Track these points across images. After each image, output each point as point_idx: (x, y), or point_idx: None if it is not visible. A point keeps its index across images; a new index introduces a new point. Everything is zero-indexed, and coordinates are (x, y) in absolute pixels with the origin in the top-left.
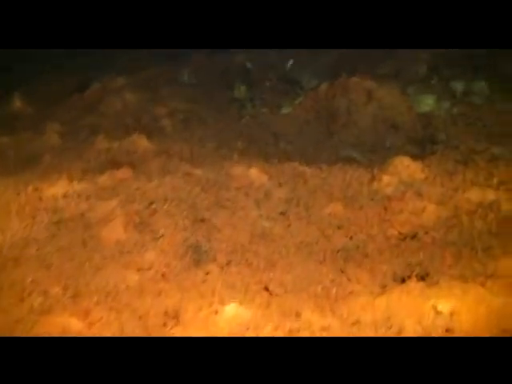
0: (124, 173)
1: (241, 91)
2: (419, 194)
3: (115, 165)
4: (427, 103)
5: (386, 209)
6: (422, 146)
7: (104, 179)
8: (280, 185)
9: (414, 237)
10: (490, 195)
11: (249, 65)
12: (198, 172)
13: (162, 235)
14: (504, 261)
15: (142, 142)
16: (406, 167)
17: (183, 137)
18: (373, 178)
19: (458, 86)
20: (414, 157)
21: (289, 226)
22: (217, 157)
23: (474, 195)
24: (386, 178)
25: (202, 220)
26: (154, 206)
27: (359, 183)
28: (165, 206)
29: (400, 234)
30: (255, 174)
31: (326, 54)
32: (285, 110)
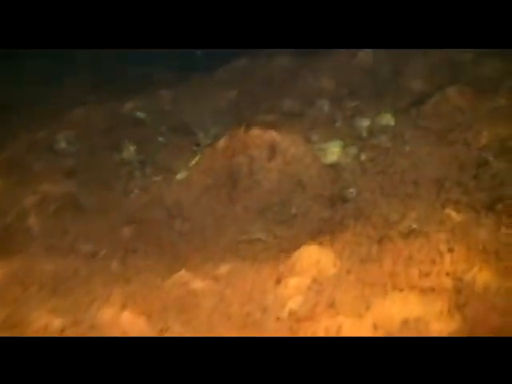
0: None
1: (130, 152)
2: (332, 305)
3: None
4: (333, 151)
5: (294, 334)
6: (332, 205)
7: None
8: (161, 331)
9: None
10: (415, 306)
11: (140, 114)
12: (57, 324)
13: None
14: None
15: None
16: (315, 263)
17: (51, 244)
18: (278, 281)
19: (363, 124)
20: (324, 239)
21: None
22: (90, 274)
23: (395, 305)
24: (292, 282)
25: None
26: None
27: (262, 292)
28: None
29: None
30: (129, 320)
31: (227, 90)
32: (180, 176)
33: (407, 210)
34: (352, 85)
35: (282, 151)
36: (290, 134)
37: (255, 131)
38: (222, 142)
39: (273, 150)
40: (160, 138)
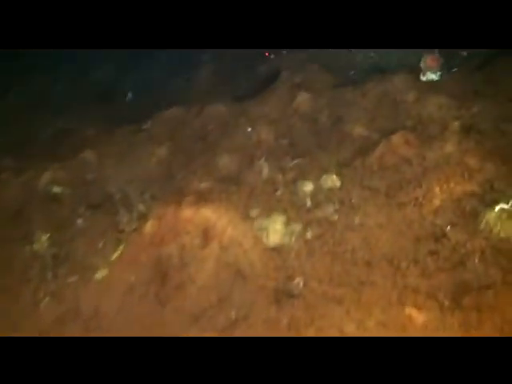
0: None
1: (42, 243)
2: None
3: None
4: (276, 230)
5: None
6: (277, 301)
7: None
8: None
9: None
10: None
11: (57, 189)
12: None
13: None
14: None
15: None
16: None
17: None
18: None
19: (307, 189)
20: None
21: None
22: None
23: None
24: None
25: None
26: None
27: None
28: None
29: None
30: None
31: (157, 146)
32: (100, 274)
33: (363, 313)
34: (292, 135)
35: (218, 234)
36: (227, 210)
37: (186, 212)
38: (148, 227)
39: (207, 233)
40: (79, 221)
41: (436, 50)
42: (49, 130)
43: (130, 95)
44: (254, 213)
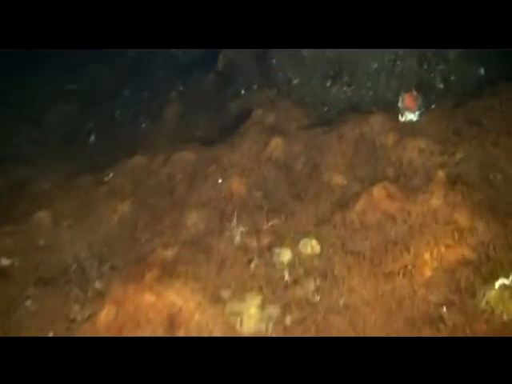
0: None
1: None
2: None
3: None
4: (250, 315)
5: None
6: None
7: None
8: None
9: None
10: None
11: (5, 262)
12: None
13: None
14: None
15: None
16: None
17: None
18: None
19: (284, 259)
20: None
21: None
22: None
23: None
24: None
25: None
26: None
27: None
28: None
29: None
30: None
31: (119, 201)
32: None
33: None
34: (266, 186)
35: (185, 321)
36: (194, 291)
37: (148, 296)
38: (104, 315)
39: (172, 321)
40: (27, 303)
41: (413, 89)
42: (2, 181)
43: (92, 137)
44: (225, 293)
